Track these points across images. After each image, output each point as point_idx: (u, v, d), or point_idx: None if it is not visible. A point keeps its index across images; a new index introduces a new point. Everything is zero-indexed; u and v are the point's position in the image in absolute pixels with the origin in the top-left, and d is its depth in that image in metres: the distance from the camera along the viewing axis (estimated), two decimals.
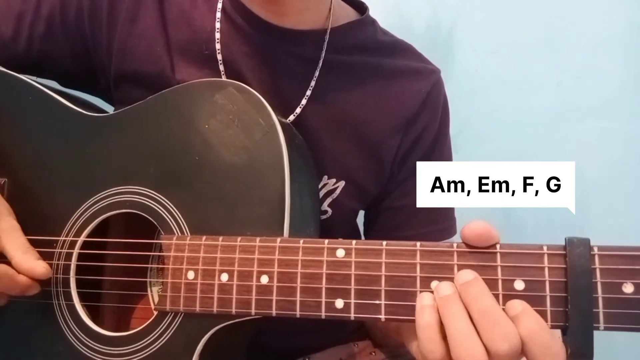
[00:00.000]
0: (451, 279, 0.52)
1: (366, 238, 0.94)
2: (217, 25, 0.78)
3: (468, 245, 0.52)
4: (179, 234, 0.64)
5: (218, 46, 0.78)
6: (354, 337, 0.94)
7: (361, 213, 0.93)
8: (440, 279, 0.52)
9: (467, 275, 0.51)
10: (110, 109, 0.86)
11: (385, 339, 0.92)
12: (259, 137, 0.64)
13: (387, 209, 0.88)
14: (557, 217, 1.24)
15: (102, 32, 0.80)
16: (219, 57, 0.78)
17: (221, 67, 0.78)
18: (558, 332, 0.50)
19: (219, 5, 0.79)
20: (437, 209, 0.86)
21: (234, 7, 0.79)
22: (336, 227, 0.85)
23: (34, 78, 0.80)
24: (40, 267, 0.65)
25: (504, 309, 0.50)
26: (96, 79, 0.85)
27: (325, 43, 0.80)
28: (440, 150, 0.88)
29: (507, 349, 0.47)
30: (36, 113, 0.76)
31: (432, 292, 0.52)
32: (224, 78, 0.78)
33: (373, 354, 0.92)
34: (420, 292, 0.53)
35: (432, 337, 0.50)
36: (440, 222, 0.88)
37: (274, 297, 0.57)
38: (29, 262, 0.65)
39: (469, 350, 0.48)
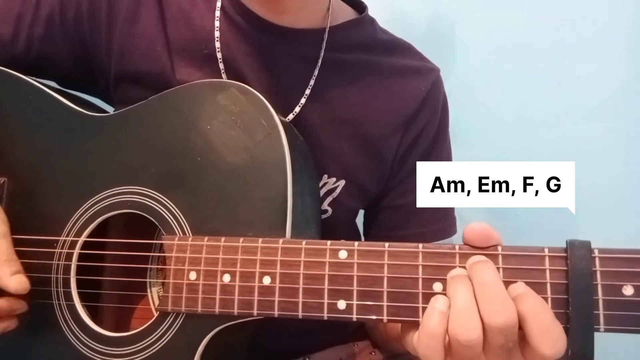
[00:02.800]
0: None
1: (365, 237, 0.94)
2: (217, 24, 0.79)
3: (470, 247, 0.53)
4: (181, 235, 0.64)
5: (218, 45, 0.78)
6: (354, 337, 0.94)
7: (361, 212, 0.93)
8: (442, 281, 0.53)
9: (478, 257, 0.51)
10: (110, 109, 0.86)
11: (386, 345, 0.92)
12: (261, 138, 0.64)
13: (386, 207, 0.88)
14: (557, 217, 1.24)
15: (101, 32, 0.80)
16: (219, 56, 0.78)
17: (221, 66, 0.78)
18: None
19: (218, 4, 0.80)
20: (437, 209, 0.86)
21: (232, 5, 0.79)
22: (336, 226, 0.85)
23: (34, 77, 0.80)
24: (13, 284, 0.64)
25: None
26: (95, 80, 0.85)
27: (324, 42, 0.80)
28: (439, 149, 0.88)
29: (502, 323, 0.47)
30: (37, 112, 0.76)
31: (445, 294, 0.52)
32: (224, 77, 0.78)
33: (373, 353, 0.92)
34: (435, 294, 0.53)
35: (434, 346, 0.50)
36: (440, 221, 0.88)
37: (276, 298, 0.57)
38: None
39: (463, 322, 0.48)
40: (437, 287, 0.53)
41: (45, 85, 0.78)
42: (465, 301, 0.49)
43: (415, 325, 0.53)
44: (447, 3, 1.30)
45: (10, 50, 0.81)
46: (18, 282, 0.64)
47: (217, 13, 0.79)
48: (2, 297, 0.65)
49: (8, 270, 0.65)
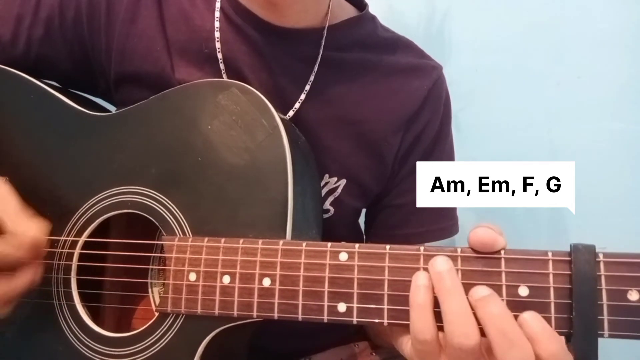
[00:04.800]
0: None
1: (366, 236, 0.94)
2: (217, 24, 0.78)
3: (472, 250, 0.52)
4: (181, 235, 0.64)
5: (218, 45, 0.78)
6: (354, 338, 0.94)
7: (362, 212, 0.93)
8: None
9: (483, 291, 0.49)
10: (112, 108, 0.86)
11: (377, 339, 0.93)
12: (262, 138, 0.64)
13: (387, 206, 0.88)
14: (557, 217, 1.24)
15: (100, 33, 0.80)
16: (219, 56, 0.78)
17: (221, 66, 0.78)
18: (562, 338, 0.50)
19: (218, 5, 0.79)
20: (438, 208, 0.86)
21: (232, 6, 0.79)
22: (338, 226, 0.85)
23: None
24: (34, 228, 0.61)
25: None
26: (96, 81, 0.85)
27: (323, 40, 0.80)
28: (441, 147, 0.87)
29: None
30: (38, 111, 0.76)
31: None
32: (224, 77, 0.78)
33: (373, 354, 0.92)
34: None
35: (424, 317, 0.50)
36: (441, 220, 0.88)
37: (276, 300, 0.57)
38: (22, 223, 0.61)
39: (462, 329, 0.48)
40: (431, 260, 0.52)
41: (47, 84, 0.77)
42: (460, 307, 0.49)
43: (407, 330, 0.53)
44: (447, 3, 1.30)
45: (9, 52, 0.81)
46: (37, 227, 0.61)
47: (217, 14, 0.79)
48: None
49: (23, 219, 0.62)
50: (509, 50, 1.28)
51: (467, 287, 0.51)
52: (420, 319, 0.50)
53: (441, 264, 0.51)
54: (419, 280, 0.51)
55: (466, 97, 1.23)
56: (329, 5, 0.81)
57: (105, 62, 0.81)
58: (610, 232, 1.15)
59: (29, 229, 0.61)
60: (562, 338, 0.49)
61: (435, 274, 0.51)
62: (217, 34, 0.78)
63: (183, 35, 0.79)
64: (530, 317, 0.49)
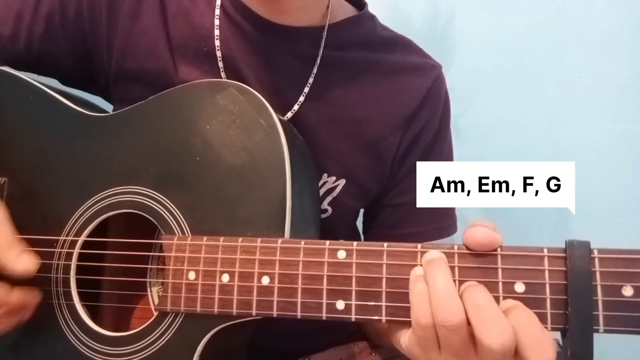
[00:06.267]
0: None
1: (365, 236, 0.94)
2: (216, 22, 0.78)
3: (469, 248, 0.52)
4: (180, 234, 0.64)
5: (217, 43, 0.78)
6: (354, 337, 0.94)
7: (361, 212, 0.93)
8: None
9: (470, 282, 0.52)
10: (110, 108, 0.86)
11: (378, 340, 0.92)
12: (260, 137, 0.64)
13: (386, 206, 0.88)
14: (557, 217, 1.24)
15: (102, 30, 0.80)
16: (218, 54, 0.78)
17: (220, 64, 0.78)
18: (553, 333, 0.50)
19: (218, 3, 0.79)
20: (436, 208, 0.85)
21: (232, 4, 0.79)
22: (336, 226, 0.84)
23: (35, 76, 0.80)
24: (19, 266, 0.62)
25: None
26: (95, 77, 0.85)
27: (323, 40, 0.80)
28: (440, 146, 0.87)
29: (500, 343, 0.47)
30: (37, 112, 0.76)
31: None
32: (223, 75, 0.78)
33: (372, 354, 0.92)
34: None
35: (424, 302, 0.51)
36: (440, 220, 0.88)
37: (275, 298, 0.57)
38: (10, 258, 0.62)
39: (445, 306, 0.49)
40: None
41: (45, 85, 0.77)
42: (444, 286, 0.50)
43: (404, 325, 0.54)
44: (448, 2, 1.30)
45: (10, 49, 0.81)
46: (26, 264, 0.63)
47: (217, 11, 0.79)
48: (13, 289, 0.63)
49: (12, 254, 0.62)
50: (509, 50, 1.28)
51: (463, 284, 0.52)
52: (421, 304, 0.51)
53: (432, 253, 0.53)
54: (417, 272, 0.53)
55: (467, 97, 1.23)
56: (328, 5, 0.81)
57: (106, 58, 0.81)
58: (610, 232, 1.15)
59: (16, 265, 0.62)
60: (550, 332, 0.49)
61: (426, 261, 0.52)
62: (216, 32, 0.78)
63: (183, 32, 0.79)
64: (507, 300, 0.51)
